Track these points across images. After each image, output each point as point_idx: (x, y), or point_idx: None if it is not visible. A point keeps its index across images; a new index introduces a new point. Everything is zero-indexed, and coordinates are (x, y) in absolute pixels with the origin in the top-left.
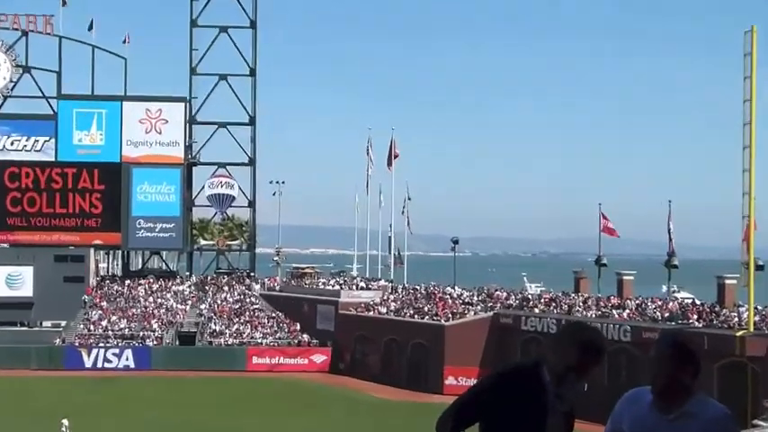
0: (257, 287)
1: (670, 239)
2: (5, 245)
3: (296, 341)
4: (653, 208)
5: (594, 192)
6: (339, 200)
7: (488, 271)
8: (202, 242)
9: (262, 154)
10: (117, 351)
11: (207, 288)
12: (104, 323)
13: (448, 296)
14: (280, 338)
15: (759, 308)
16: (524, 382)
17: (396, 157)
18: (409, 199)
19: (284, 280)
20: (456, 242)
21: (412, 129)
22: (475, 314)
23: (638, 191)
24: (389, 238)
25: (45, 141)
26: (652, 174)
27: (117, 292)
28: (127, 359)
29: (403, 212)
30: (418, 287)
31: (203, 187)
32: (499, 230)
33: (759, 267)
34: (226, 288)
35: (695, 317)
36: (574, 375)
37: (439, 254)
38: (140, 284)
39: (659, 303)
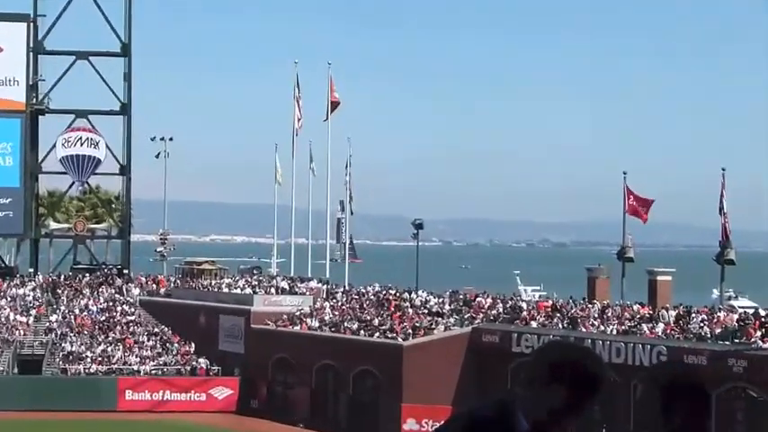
0: (134, 290)
1: (724, 224)
2: None
3: (189, 368)
4: (700, 180)
5: (617, 157)
6: (252, 166)
7: (460, 267)
8: (53, 225)
9: (140, 99)
10: None
11: (59, 292)
12: None
13: (407, 304)
14: (165, 365)
15: None
16: None
17: (335, 104)
18: (350, 165)
19: (172, 280)
20: (419, 226)
21: (357, 64)
22: (446, 329)
23: (679, 156)
24: (338, 220)
25: None
26: (699, 133)
27: None
28: None
29: (345, 184)
30: (365, 290)
31: (54, 146)
32: (481, 211)
33: None
34: (87, 292)
35: (759, 334)
36: (562, 419)
37: (394, 243)
38: None
39: (708, 315)
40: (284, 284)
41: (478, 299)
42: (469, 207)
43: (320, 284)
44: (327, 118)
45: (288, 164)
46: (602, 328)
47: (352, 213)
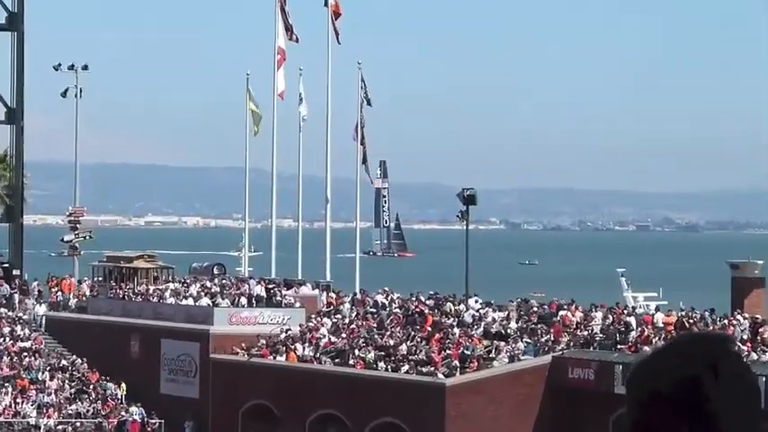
0: (33, 305)
1: None
2: None
3: (115, 422)
4: None
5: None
6: (212, 111)
7: (522, 264)
8: None
9: (37, 7)
10: None
11: None
12: None
13: (452, 320)
14: (79, 416)
15: None
16: None
17: (336, 15)
18: (369, 103)
19: (88, 284)
20: (470, 201)
21: None
22: (512, 360)
23: None
24: (378, 192)
25: None
26: None
27: None
28: None
29: (358, 137)
30: (387, 299)
31: None
32: (565, 177)
33: None
34: None
35: None
36: None
37: (432, 226)
38: None
39: None
40: (260, 291)
41: (562, 312)
42: (547, 171)
43: (316, 291)
44: (338, 38)
45: (266, 106)
46: (753, 356)
47: (372, 182)
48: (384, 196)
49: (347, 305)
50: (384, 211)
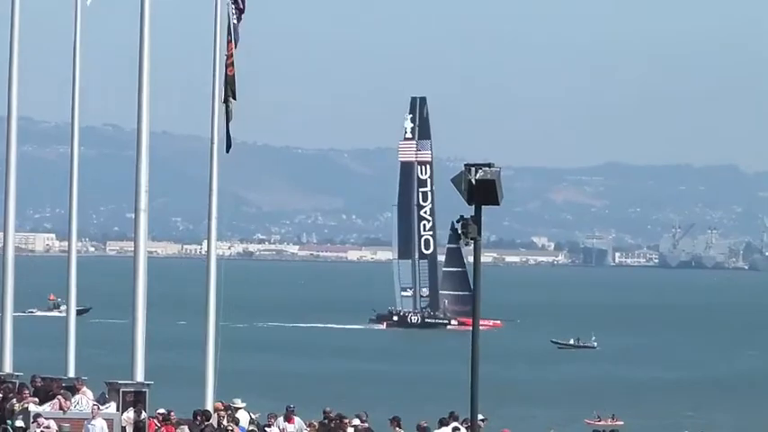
0: None
1: None
2: None
3: None
4: None
5: None
6: None
7: (562, 347)
8: None
9: None
10: None
11: None
12: None
13: None
14: None
15: None
16: None
17: None
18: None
19: None
20: (485, 195)
21: None
22: None
23: None
24: (419, 172)
25: None
26: None
27: None
28: None
29: (216, 59)
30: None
31: None
32: (724, 148)
33: None
34: None
35: None
36: None
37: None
38: None
39: None
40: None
41: None
42: (670, 134)
43: (110, 407)
44: None
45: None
46: None
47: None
48: (423, 182)
49: None
50: (424, 220)
